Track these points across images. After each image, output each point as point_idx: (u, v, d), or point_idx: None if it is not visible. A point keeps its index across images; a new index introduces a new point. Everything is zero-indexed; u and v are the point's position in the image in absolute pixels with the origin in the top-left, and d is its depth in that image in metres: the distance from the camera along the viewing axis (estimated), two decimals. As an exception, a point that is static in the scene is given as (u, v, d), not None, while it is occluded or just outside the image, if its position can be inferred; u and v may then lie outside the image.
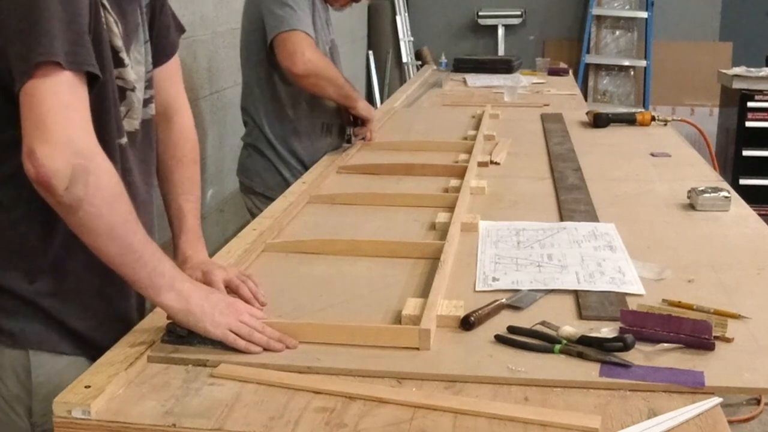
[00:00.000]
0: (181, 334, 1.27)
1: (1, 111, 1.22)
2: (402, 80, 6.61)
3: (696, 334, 1.25)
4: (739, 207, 2.04)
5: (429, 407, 1.11)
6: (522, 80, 4.50)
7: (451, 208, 1.96)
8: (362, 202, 2.10)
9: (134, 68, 1.37)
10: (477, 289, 1.52)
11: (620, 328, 1.29)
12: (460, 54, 5.57)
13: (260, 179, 2.69)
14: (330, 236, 1.81)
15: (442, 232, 1.80)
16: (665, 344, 1.25)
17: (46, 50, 1.14)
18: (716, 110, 5.74)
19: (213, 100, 3.35)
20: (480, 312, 1.36)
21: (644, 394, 1.14)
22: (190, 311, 1.25)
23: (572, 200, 2.09)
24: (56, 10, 1.15)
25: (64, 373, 1.28)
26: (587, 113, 3.20)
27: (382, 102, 6.02)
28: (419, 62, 6.84)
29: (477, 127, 2.94)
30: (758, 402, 3.04)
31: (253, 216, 2.55)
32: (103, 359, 1.22)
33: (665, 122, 3.08)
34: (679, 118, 3.21)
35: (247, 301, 1.39)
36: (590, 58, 6.87)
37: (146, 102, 1.44)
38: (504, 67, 4.83)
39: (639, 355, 1.23)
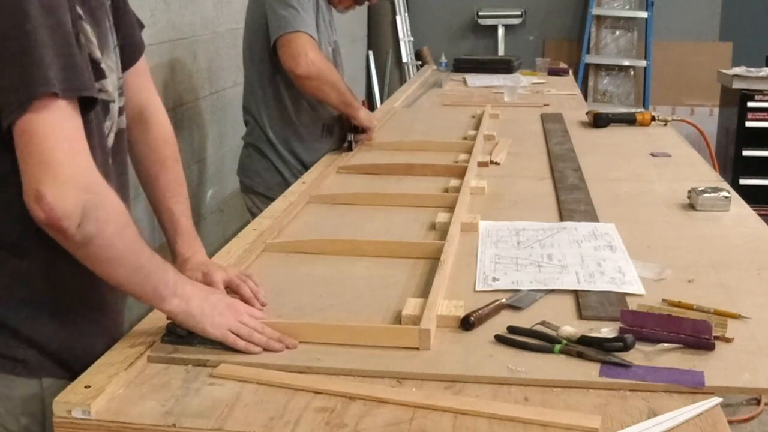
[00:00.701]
0: (181, 334, 1.27)
1: None
2: (402, 80, 6.61)
3: (696, 334, 1.25)
4: (739, 207, 2.04)
5: (429, 407, 1.11)
6: (522, 80, 4.49)
7: (451, 208, 1.96)
8: (362, 202, 2.10)
9: (110, 77, 1.30)
10: (477, 289, 1.52)
11: (620, 328, 1.29)
12: (460, 54, 5.57)
13: (260, 179, 2.70)
14: (330, 236, 1.81)
15: (442, 232, 1.80)
16: (665, 344, 1.25)
17: (41, 81, 1.08)
18: (716, 110, 5.74)
19: (213, 100, 3.35)
20: (480, 312, 1.36)
21: (644, 394, 1.14)
22: (190, 313, 1.25)
23: (572, 200, 2.09)
24: (44, 35, 1.09)
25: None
26: (587, 113, 3.20)
27: (382, 102, 6.02)
28: (419, 62, 6.83)
29: (477, 127, 2.94)
30: (758, 402, 3.04)
31: (254, 216, 2.55)
32: (103, 359, 1.22)
33: (665, 122, 3.08)
34: (679, 118, 3.21)
35: (247, 301, 1.40)
36: (590, 58, 6.86)
37: (121, 111, 1.37)
38: (504, 67, 4.83)
39: (639, 355, 1.23)
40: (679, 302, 1.43)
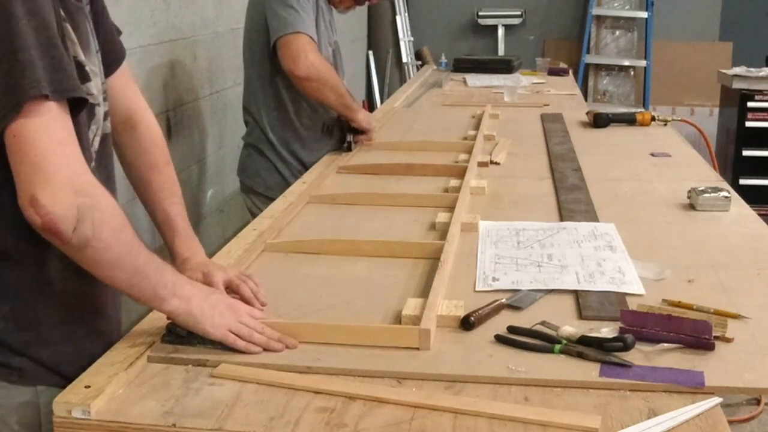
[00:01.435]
0: (181, 334, 1.27)
1: None
2: (402, 80, 6.60)
3: (696, 334, 1.25)
4: (739, 207, 2.04)
5: (429, 407, 1.11)
6: (522, 80, 4.50)
7: (451, 208, 1.96)
8: (362, 202, 2.10)
9: (94, 80, 1.29)
10: (477, 289, 1.52)
11: (620, 328, 1.29)
12: (460, 54, 5.57)
13: (260, 179, 2.70)
14: (330, 236, 1.81)
15: (442, 232, 1.80)
16: (665, 344, 1.25)
17: (30, 84, 1.07)
18: (716, 110, 5.74)
19: (213, 100, 3.35)
20: (480, 312, 1.36)
21: (644, 394, 1.14)
22: (190, 313, 1.25)
23: (572, 200, 2.09)
24: (31, 37, 1.08)
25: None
26: (587, 113, 3.20)
27: (382, 102, 6.02)
28: (419, 62, 6.83)
29: (477, 127, 2.94)
30: (758, 402, 3.05)
31: (254, 216, 2.56)
32: (104, 359, 1.22)
33: (665, 122, 3.08)
34: (679, 118, 3.21)
35: (247, 301, 1.40)
36: (590, 58, 6.86)
37: (105, 115, 1.36)
38: (504, 67, 4.83)
39: (639, 355, 1.23)
40: (679, 302, 1.43)
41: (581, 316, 1.39)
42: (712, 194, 2.01)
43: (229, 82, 3.47)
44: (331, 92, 2.56)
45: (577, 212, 1.98)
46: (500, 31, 7.05)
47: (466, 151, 2.59)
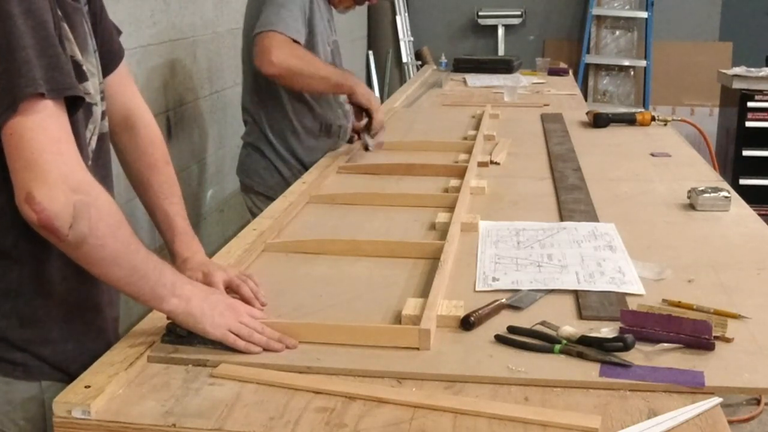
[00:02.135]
0: (181, 334, 1.27)
1: None
2: (402, 80, 6.60)
3: (696, 334, 1.25)
4: (739, 207, 2.04)
5: (429, 407, 1.11)
6: (522, 80, 4.50)
7: (451, 208, 1.96)
8: (362, 202, 2.10)
9: (91, 80, 1.29)
10: (477, 289, 1.52)
11: (620, 328, 1.29)
12: (460, 54, 5.57)
13: (260, 178, 2.70)
14: (330, 236, 1.81)
15: (442, 232, 1.80)
16: (665, 344, 1.25)
17: (27, 82, 1.07)
18: (716, 110, 5.74)
19: (213, 100, 3.35)
20: (480, 312, 1.36)
21: (644, 394, 1.14)
22: (189, 313, 1.25)
23: (572, 200, 2.09)
24: (28, 36, 1.09)
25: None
26: (587, 113, 3.20)
27: (382, 102, 6.01)
28: (419, 62, 6.83)
29: (477, 127, 2.94)
30: (758, 402, 3.05)
31: (253, 215, 2.56)
32: (104, 359, 1.22)
33: (665, 122, 3.08)
34: (679, 118, 3.21)
35: (247, 301, 1.40)
36: (590, 58, 6.87)
37: (103, 115, 1.36)
38: (504, 67, 4.83)
39: (639, 355, 1.23)
40: (679, 302, 1.43)
41: (581, 316, 1.39)
42: (712, 194, 2.01)
43: (229, 82, 3.47)
44: (312, 80, 2.50)
45: (577, 212, 1.98)
46: (500, 31, 7.06)
47: (466, 151, 2.59)
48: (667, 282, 1.55)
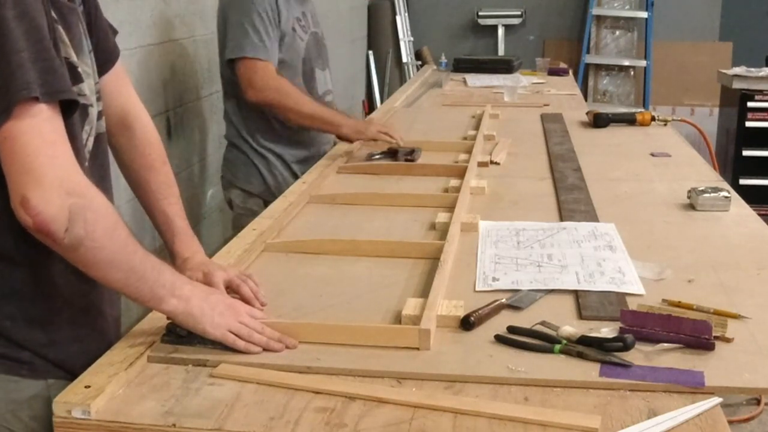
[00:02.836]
0: (180, 334, 1.27)
1: None
2: (402, 80, 6.60)
3: (696, 334, 1.25)
4: (739, 207, 2.04)
5: (429, 407, 1.11)
6: (522, 80, 4.49)
7: (451, 208, 1.96)
8: (362, 202, 2.11)
9: (86, 81, 1.29)
10: (477, 289, 1.52)
11: (620, 328, 1.29)
12: (460, 54, 5.57)
13: (242, 174, 2.75)
14: (330, 236, 1.81)
15: (442, 232, 1.80)
16: (665, 344, 1.25)
17: (21, 86, 1.07)
18: (716, 110, 5.74)
19: (213, 100, 3.34)
20: (480, 312, 1.36)
21: (644, 394, 1.14)
22: (189, 313, 1.25)
23: (572, 200, 2.09)
24: (21, 39, 1.09)
25: None
26: (587, 113, 3.20)
27: (382, 102, 6.02)
28: (419, 62, 6.83)
29: (477, 127, 2.94)
30: (758, 402, 3.04)
31: (234, 209, 2.72)
32: (104, 359, 1.22)
33: (665, 122, 3.08)
34: (679, 118, 3.21)
35: (247, 301, 1.40)
36: (590, 58, 6.87)
37: (99, 115, 1.36)
38: (504, 67, 4.83)
39: (639, 355, 1.23)
40: (679, 302, 1.43)
41: (581, 316, 1.39)
42: (712, 194, 2.02)
43: (229, 82, 3.46)
44: (297, 117, 2.56)
45: (577, 212, 1.98)
46: (500, 31, 7.06)
47: (466, 151, 2.59)
48: (667, 282, 1.55)
